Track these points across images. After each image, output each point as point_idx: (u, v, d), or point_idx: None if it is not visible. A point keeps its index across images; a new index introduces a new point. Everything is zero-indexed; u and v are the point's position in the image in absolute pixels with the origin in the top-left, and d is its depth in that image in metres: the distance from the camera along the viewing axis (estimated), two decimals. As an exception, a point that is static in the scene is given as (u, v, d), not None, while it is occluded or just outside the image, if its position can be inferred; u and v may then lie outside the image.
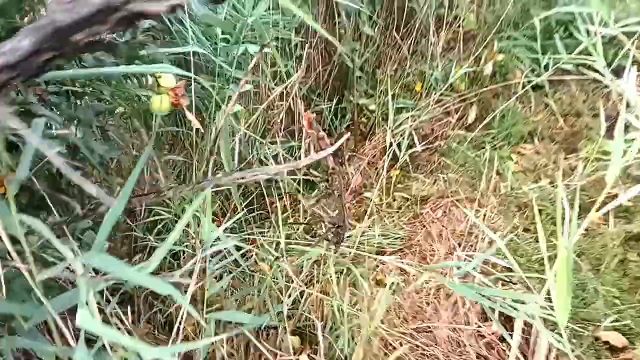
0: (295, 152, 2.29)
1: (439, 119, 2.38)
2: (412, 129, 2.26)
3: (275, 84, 2.43)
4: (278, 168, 0.72)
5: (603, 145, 1.91)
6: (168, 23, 1.45)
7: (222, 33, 1.77)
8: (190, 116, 1.03)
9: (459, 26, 2.45)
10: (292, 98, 2.38)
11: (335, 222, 0.94)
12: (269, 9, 2.08)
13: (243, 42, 1.76)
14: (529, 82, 2.27)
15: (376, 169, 2.15)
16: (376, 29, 2.55)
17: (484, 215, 1.68)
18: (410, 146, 2.25)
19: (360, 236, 1.66)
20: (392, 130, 2.24)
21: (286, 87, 2.43)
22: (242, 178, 0.80)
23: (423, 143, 2.29)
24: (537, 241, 1.58)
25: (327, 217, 0.86)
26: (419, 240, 1.65)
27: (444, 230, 1.67)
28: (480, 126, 2.24)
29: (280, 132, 2.37)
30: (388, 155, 2.18)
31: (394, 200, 1.95)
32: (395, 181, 2.10)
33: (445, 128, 2.35)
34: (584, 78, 2.19)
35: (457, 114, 2.37)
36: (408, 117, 2.30)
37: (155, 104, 1.00)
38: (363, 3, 2.29)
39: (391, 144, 2.20)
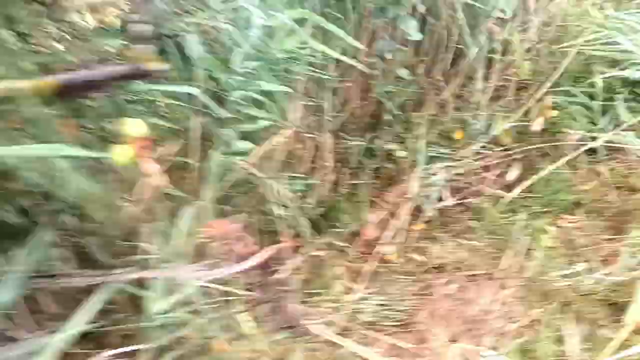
0: (315, 192, 2.16)
1: (477, 173, 2.18)
2: (445, 180, 2.09)
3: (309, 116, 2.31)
4: (196, 276, 0.60)
5: (656, 232, 1.67)
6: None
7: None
8: (152, 171, 0.92)
9: (511, 74, 2.24)
10: (320, 132, 2.26)
11: (289, 324, 0.80)
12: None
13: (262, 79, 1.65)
14: (583, 145, 2.03)
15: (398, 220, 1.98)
16: (420, 67, 2.38)
17: (502, 300, 1.48)
18: (440, 199, 2.08)
19: (356, 303, 1.51)
20: (421, 181, 2.07)
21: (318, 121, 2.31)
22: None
23: (455, 198, 2.10)
24: (559, 342, 1.36)
25: (273, 323, 0.72)
26: (422, 318, 1.48)
27: (454, 310, 1.48)
28: (521, 188, 2.03)
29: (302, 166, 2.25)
30: (411, 208, 2.02)
31: (409, 261, 1.78)
32: (416, 237, 1.92)
33: (483, 184, 2.14)
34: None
35: (497, 169, 2.16)
36: (441, 168, 2.13)
37: (116, 156, 0.90)
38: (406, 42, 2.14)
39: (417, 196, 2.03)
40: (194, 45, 1.18)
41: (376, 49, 1.82)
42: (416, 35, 1.74)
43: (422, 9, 1.78)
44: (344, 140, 2.32)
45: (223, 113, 1.24)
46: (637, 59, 1.79)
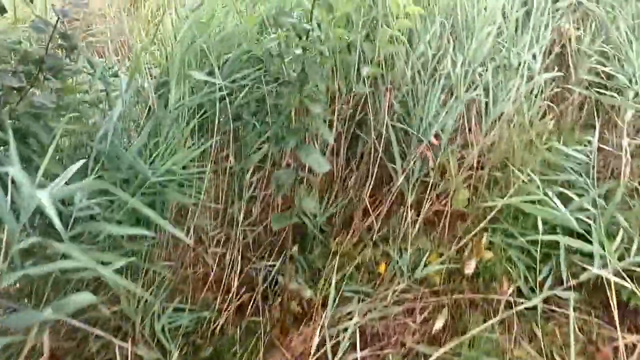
0: (208, 327, 1.82)
1: (398, 318, 1.87)
2: (359, 325, 1.77)
3: (218, 226, 2.01)
4: None
5: None
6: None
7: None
8: None
9: (444, 203, 1.97)
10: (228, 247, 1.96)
11: None
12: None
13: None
14: (518, 301, 1.74)
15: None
16: (349, 185, 2.11)
17: None
18: (354, 346, 1.75)
19: None
20: (331, 324, 1.76)
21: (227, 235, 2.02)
22: None
23: (369, 349, 1.78)
24: None
25: None
26: None
27: None
28: (444, 350, 1.71)
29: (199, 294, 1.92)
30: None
31: None
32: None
33: (403, 333, 1.83)
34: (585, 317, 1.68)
35: (421, 315, 1.86)
36: (357, 309, 1.82)
37: None
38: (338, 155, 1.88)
39: (323, 344, 1.71)
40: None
41: (273, 179, 1.54)
42: (323, 167, 1.46)
43: (330, 139, 1.50)
44: (253, 260, 2.02)
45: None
46: (566, 221, 1.54)
